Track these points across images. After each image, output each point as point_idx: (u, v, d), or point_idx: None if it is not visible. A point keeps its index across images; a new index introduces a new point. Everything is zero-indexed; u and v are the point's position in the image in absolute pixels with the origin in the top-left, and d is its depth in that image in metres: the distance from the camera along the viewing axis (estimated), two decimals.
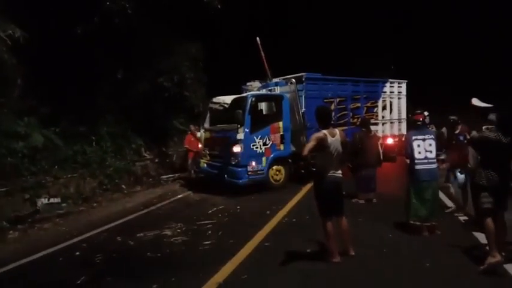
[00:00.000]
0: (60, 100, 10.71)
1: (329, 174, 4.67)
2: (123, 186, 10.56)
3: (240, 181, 9.03)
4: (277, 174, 9.66)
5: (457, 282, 4.19)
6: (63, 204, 8.48)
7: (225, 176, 9.25)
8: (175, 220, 7.18)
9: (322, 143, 4.58)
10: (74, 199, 8.92)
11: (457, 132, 6.78)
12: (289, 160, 9.83)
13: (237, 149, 8.99)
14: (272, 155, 9.45)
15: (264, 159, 9.31)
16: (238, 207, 8.14)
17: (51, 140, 9.61)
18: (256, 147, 9.19)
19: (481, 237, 5.27)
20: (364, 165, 7.62)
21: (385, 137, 12.19)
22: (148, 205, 8.77)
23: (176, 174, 12.23)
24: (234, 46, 13.03)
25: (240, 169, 9.02)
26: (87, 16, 10.52)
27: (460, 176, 6.65)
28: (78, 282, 4.64)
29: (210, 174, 10.04)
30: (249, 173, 9.08)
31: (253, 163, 9.14)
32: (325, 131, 4.65)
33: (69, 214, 8.16)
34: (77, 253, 5.79)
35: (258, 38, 10.78)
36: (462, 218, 6.50)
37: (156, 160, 13.00)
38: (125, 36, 11.63)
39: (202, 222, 7.03)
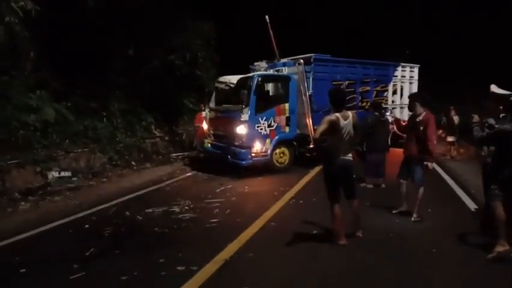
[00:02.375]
0: (72, 75, 10.74)
1: (339, 157, 4.59)
2: (133, 162, 10.65)
3: (243, 162, 8.93)
4: (281, 157, 9.55)
5: (464, 270, 4.15)
6: (74, 178, 8.61)
7: (228, 156, 9.14)
8: (183, 197, 7.23)
9: (334, 127, 4.49)
10: (84, 173, 9.05)
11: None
12: (294, 143, 9.70)
13: (241, 129, 8.88)
14: (277, 137, 9.33)
15: (268, 141, 9.19)
16: (246, 187, 8.17)
17: (62, 114, 9.68)
18: (261, 129, 9.07)
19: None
20: (373, 150, 7.48)
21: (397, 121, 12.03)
22: (157, 182, 8.84)
23: (186, 153, 12.27)
24: (246, 25, 12.83)
25: (243, 150, 8.91)
26: None
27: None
28: (87, 254, 4.70)
29: (214, 154, 9.94)
30: (253, 154, 8.98)
31: (257, 144, 9.04)
32: (337, 114, 4.54)
33: (79, 188, 8.27)
34: (86, 226, 5.87)
35: (267, 17, 10.48)
36: (473, 206, 6.39)
37: (166, 138, 13.07)
38: (137, 12, 11.53)
39: (210, 200, 7.07)
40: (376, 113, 7.83)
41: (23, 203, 7.18)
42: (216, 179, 8.87)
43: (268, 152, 9.22)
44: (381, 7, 22.51)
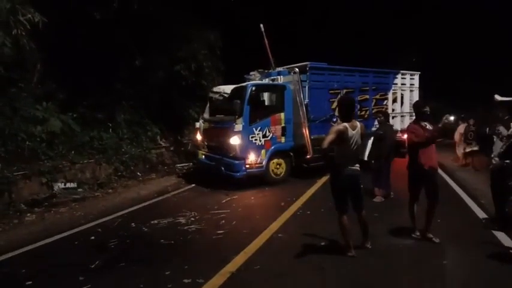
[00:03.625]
0: (78, 86, 10.80)
1: (347, 168, 4.53)
2: (139, 173, 10.66)
3: (238, 174, 8.65)
4: (277, 168, 9.32)
5: (474, 281, 4.07)
6: (79, 189, 8.62)
7: (222, 168, 8.88)
8: (189, 208, 7.19)
9: (342, 136, 4.44)
10: (89, 184, 9.05)
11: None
12: (291, 153, 9.51)
13: (234, 140, 8.62)
14: (272, 148, 9.11)
15: (263, 151, 8.97)
16: (253, 197, 8.12)
17: (68, 125, 9.70)
18: (255, 139, 8.85)
19: (500, 236, 5.20)
20: (383, 159, 7.35)
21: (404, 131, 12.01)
22: (163, 193, 8.82)
23: (191, 163, 12.24)
24: (251, 34, 12.88)
25: (237, 162, 8.66)
26: (106, 1, 10.51)
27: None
28: (93, 266, 4.67)
29: (208, 166, 9.69)
30: (247, 166, 8.72)
31: (252, 156, 8.78)
32: (346, 124, 4.49)
33: (85, 199, 8.28)
34: (92, 237, 5.84)
35: (261, 25, 10.25)
36: (482, 216, 6.30)
37: (172, 148, 13.07)
38: (143, 23, 11.61)
39: (216, 211, 7.01)
40: (388, 122, 7.71)
41: (28, 214, 7.20)
42: (221, 189, 8.76)
43: (264, 163, 8.99)
44: (384, 13, 22.55)
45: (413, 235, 5.25)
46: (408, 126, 5.29)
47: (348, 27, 21.45)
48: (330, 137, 4.43)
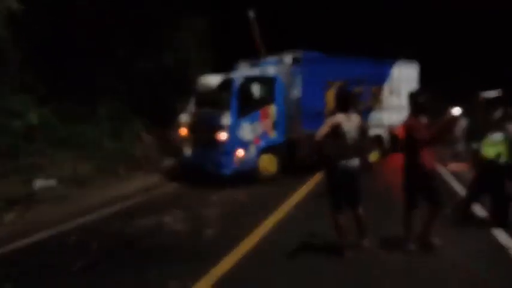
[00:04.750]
0: (58, 79, 10.43)
1: (341, 163, 4.38)
2: (121, 169, 10.33)
3: (226, 171, 8.33)
4: (268, 164, 8.96)
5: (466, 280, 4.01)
6: (60, 186, 8.28)
7: (209, 165, 8.58)
8: (176, 206, 6.98)
9: (336, 129, 4.30)
10: (70, 181, 8.70)
11: None
12: (282, 149, 9.17)
13: (222, 135, 8.26)
14: (262, 143, 8.79)
15: (252, 147, 8.63)
16: (244, 195, 7.88)
17: (47, 119, 9.34)
18: (244, 134, 8.50)
19: (497, 233, 5.17)
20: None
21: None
22: (147, 190, 8.53)
23: (178, 159, 11.94)
24: (242, 23, 12.53)
25: (225, 157, 8.31)
26: None
27: None
28: (74, 268, 4.46)
29: (194, 162, 9.30)
30: (236, 162, 8.39)
31: (241, 151, 8.41)
32: (341, 116, 4.36)
33: (66, 197, 7.92)
34: (73, 237, 5.59)
35: (251, 12, 9.92)
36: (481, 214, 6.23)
37: (157, 143, 12.74)
38: (127, 11, 11.24)
39: (204, 209, 6.82)
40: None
41: (6, 213, 6.86)
42: (210, 186, 8.45)
43: (254, 159, 8.67)
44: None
45: (406, 247, 4.69)
46: (406, 121, 4.65)
47: (343, 15, 21.20)
48: (323, 130, 4.29)
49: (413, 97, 4.69)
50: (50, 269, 4.52)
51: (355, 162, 4.46)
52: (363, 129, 4.54)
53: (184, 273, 4.20)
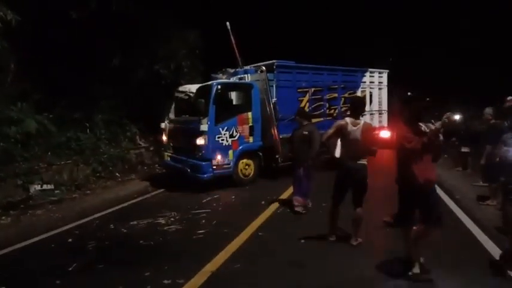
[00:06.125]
0: (55, 86, 10.59)
1: (346, 163, 4.74)
2: (117, 174, 10.51)
3: (204, 176, 8.40)
4: (246, 169, 9.12)
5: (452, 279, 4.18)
6: (56, 191, 8.44)
7: (188, 170, 8.65)
8: (169, 208, 7.14)
9: (341, 131, 4.69)
10: (67, 186, 8.88)
11: None
12: (260, 153, 9.34)
13: (200, 141, 8.35)
14: (240, 148, 8.90)
15: (230, 152, 8.74)
16: (233, 196, 8.14)
17: (44, 125, 9.48)
18: (222, 140, 8.61)
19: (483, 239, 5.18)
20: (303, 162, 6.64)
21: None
22: (142, 193, 8.73)
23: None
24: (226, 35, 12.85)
25: (203, 163, 8.39)
26: (84, 0, 10.32)
27: None
28: (70, 269, 4.59)
29: (174, 168, 9.42)
30: (214, 167, 8.48)
31: (219, 156, 8.54)
32: (347, 119, 4.73)
33: (62, 201, 8.11)
34: (70, 240, 5.75)
35: (227, 23, 10.12)
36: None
37: (151, 148, 12.91)
38: (122, 22, 11.44)
39: (197, 211, 7.00)
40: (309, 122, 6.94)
41: (4, 217, 7.01)
42: (202, 189, 8.62)
43: (231, 164, 8.77)
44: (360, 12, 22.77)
45: (410, 273, 4.04)
46: (397, 129, 4.24)
47: (321, 25, 21.52)
48: (330, 131, 4.78)
49: (406, 104, 4.23)
50: (46, 270, 4.64)
51: (361, 162, 4.76)
52: (368, 133, 4.79)
53: (177, 271, 4.36)
